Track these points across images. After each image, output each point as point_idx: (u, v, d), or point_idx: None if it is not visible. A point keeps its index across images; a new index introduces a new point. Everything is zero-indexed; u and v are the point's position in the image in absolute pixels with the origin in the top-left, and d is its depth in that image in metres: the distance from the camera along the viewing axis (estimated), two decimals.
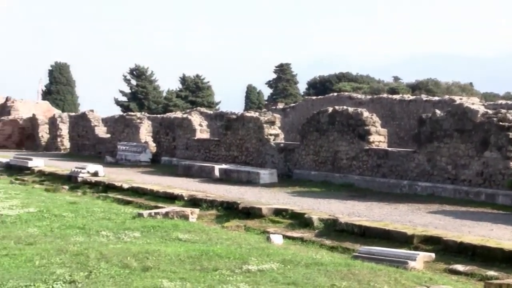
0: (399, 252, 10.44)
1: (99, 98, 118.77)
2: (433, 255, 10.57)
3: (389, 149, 19.88)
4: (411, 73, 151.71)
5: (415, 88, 56.98)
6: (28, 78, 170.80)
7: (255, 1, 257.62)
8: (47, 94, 76.18)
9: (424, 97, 32.31)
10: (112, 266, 9.07)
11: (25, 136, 44.98)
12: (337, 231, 12.94)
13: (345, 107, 21.75)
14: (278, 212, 14.79)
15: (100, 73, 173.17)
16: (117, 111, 69.58)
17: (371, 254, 10.46)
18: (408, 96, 34.08)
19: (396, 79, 78.17)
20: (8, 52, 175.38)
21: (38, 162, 26.42)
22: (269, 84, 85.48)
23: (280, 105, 43.15)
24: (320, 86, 75.12)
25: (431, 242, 11.34)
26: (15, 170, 26.86)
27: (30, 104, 51.19)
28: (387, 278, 8.72)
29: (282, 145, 23.38)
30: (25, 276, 8.39)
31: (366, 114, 20.38)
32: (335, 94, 39.56)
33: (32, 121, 44.61)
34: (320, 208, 15.30)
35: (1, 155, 32.19)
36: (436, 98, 31.93)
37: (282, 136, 24.48)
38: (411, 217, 13.95)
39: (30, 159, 26.73)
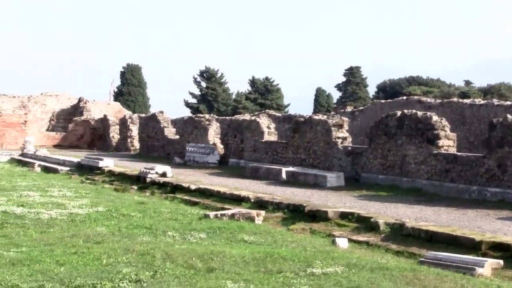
0: (466, 258, 10.21)
1: (169, 100, 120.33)
2: (501, 262, 10.30)
3: (458, 153, 19.49)
4: (483, 78, 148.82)
5: (487, 92, 55.87)
6: (101, 79, 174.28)
7: (327, 3, 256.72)
8: (119, 95, 77.62)
9: (495, 101, 31.56)
10: (177, 267, 9.15)
11: (97, 136, 45.92)
12: (403, 236, 12.75)
13: (414, 111, 21.41)
14: (344, 215, 14.67)
15: (171, 75, 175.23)
16: (186, 113, 70.45)
17: (438, 259, 10.26)
18: (479, 101, 33.34)
19: (467, 83, 76.81)
20: (82, 54, 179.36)
21: (108, 162, 26.89)
22: (339, 87, 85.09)
23: (349, 108, 42.86)
24: (390, 89, 74.36)
25: (500, 249, 11.06)
26: (86, 170, 27.41)
27: (101, 105, 52.27)
28: (453, 285, 8.55)
29: (349, 148, 23.21)
30: (92, 274, 8.54)
31: (435, 118, 20.04)
32: (404, 97, 39.05)
33: (104, 122, 45.49)
34: (386, 212, 15.12)
35: (73, 155, 32.94)
36: (508, 102, 31.15)
37: (350, 139, 24.30)
38: (479, 223, 13.63)
39: (101, 159, 27.23)
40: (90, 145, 45.32)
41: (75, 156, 31.50)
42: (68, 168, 28.16)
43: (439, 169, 19.23)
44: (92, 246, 10.65)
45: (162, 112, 37.41)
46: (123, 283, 8.16)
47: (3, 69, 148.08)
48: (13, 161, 33.67)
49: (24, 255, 9.79)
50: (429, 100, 35.89)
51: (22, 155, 35.07)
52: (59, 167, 28.49)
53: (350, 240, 12.56)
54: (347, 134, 24.19)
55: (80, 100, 52.15)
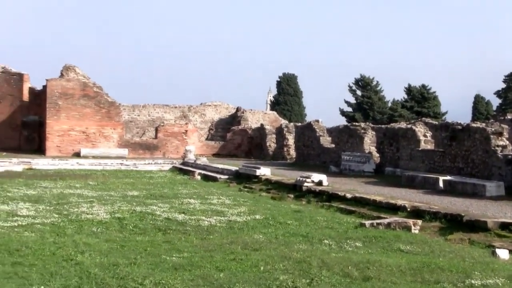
0: None
1: (325, 109, 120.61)
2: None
3: None
4: None
5: None
6: (257, 89, 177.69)
7: (489, 3, 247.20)
8: (275, 105, 78.84)
9: None
10: (333, 275, 9.19)
11: (254, 145, 46.80)
12: None
13: None
14: (505, 226, 14.08)
15: (326, 83, 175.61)
16: (342, 122, 70.36)
17: None
18: None
19: None
20: (238, 64, 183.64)
21: (265, 171, 27.32)
22: (498, 94, 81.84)
23: (509, 116, 41.08)
24: None
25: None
26: (243, 178, 27.99)
27: (258, 115, 53.30)
28: None
29: (510, 157, 22.28)
30: (250, 281, 8.75)
31: None
32: None
33: (260, 131, 46.31)
34: None
35: (231, 164, 33.76)
36: None
37: (510, 147, 23.32)
38: None
39: (258, 168, 27.71)
40: (248, 153, 46.26)
41: (233, 165, 32.26)
42: (226, 177, 28.90)
43: None
44: (250, 253, 10.90)
45: (318, 121, 37.60)
46: None
47: (167, 81, 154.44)
48: (175, 169, 35.01)
49: (186, 260, 10.19)
50: None
51: (183, 163, 36.38)
52: (218, 176, 29.31)
53: (511, 252, 12.06)
54: (507, 142, 23.21)
55: (238, 109, 53.47)
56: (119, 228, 13.91)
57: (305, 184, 22.83)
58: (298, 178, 23.64)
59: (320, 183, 22.92)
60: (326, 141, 36.17)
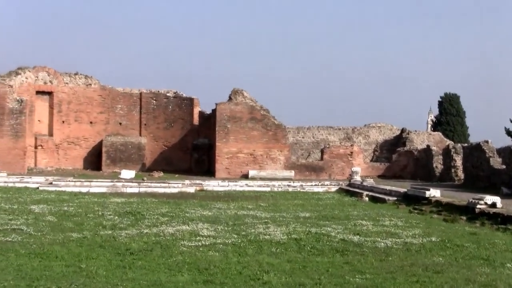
0: None
1: (489, 129, 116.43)
2: None
3: None
4: None
5: None
6: (418, 109, 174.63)
7: None
8: (437, 125, 77.21)
9: None
10: None
11: (419, 166, 46.15)
12: None
13: None
14: None
15: (490, 103, 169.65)
16: (507, 142, 67.70)
17: None
18: None
19: None
20: (399, 85, 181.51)
21: (434, 192, 26.93)
22: None
23: None
24: None
25: None
26: (412, 200, 27.71)
27: (423, 135, 52.57)
28: None
29: None
30: None
31: None
32: None
33: (426, 152, 45.62)
34: None
35: (397, 185, 33.52)
36: None
37: None
38: None
39: (427, 189, 27.34)
40: (413, 175, 45.67)
41: (400, 186, 32.01)
42: (394, 198, 28.74)
43: None
44: (432, 275, 10.92)
45: (487, 142, 36.50)
46: None
47: (330, 103, 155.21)
48: (342, 191, 35.21)
49: (369, 282, 10.39)
50: None
51: (350, 185, 36.52)
52: (386, 197, 29.20)
53: None
54: None
55: (403, 130, 53.03)
56: (297, 249, 14.29)
57: (478, 206, 22.30)
58: (470, 200, 23.12)
59: (493, 205, 22.31)
60: (496, 162, 35.04)
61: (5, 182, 33.33)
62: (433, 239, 15.82)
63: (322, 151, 45.14)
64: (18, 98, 40.27)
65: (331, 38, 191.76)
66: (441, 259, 12.81)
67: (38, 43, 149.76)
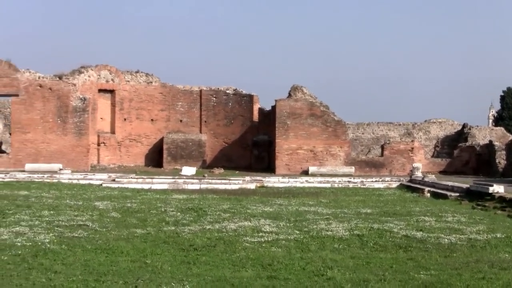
0: None
1: None
2: None
3: None
4: None
5: None
6: (477, 104, 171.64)
7: None
8: (499, 120, 75.83)
9: None
10: None
11: (481, 162, 45.39)
12: None
13: None
14: None
15: None
16: None
17: None
18: None
19: None
20: (457, 80, 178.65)
21: (498, 188, 26.50)
22: None
23: None
24: None
25: None
26: (474, 196, 27.32)
27: (485, 131, 51.66)
28: None
29: None
30: None
31: None
32: None
33: (489, 147, 44.85)
34: None
35: (459, 181, 33.06)
36: None
37: None
38: None
39: (491, 185, 26.91)
40: (475, 171, 44.91)
41: (462, 182, 31.58)
42: (457, 194, 28.35)
43: None
44: (499, 272, 10.82)
45: None
46: None
47: (390, 99, 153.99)
48: (402, 187, 34.87)
49: (435, 278, 10.34)
50: None
51: (411, 181, 36.14)
52: (448, 193, 28.82)
53: None
54: None
55: (464, 126, 52.22)
56: (360, 245, 14.28)
57: None
58: None
59: None
60: None
61: (69, 179, 34.08)
62: (498, 235, 15.60)
63: (382, 147, 44.79)
64: (81, 96, 41.01)
65: (390, 35, 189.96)
66: (507, 255, 12.65)
67: (100, 42, 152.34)
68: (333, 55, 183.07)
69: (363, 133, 53.19)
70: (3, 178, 33.54)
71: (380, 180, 37.04)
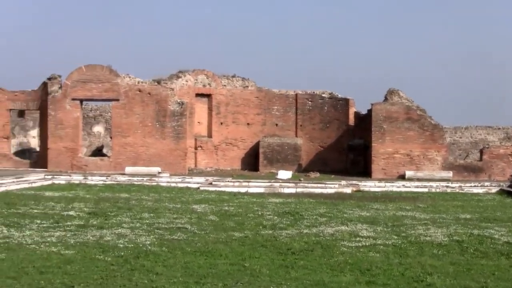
0: None
1: None
2: None
3: None
4: None
5: None
6: None
7: None
8: None
9: None
10: None
11: None
12: None
13: None
14: None
15: None
16: None
17: None
18: None
19: None
20: None
21: None
22: None
23: None
24: None
25: None
26: None
27: None
28: None
29: None
30: None
31: None
32: None
33: None
34: None
35: None
36: None
37: None
38: None
39: None
40: None
41: None
42: None
43: None
44: None
45: None
46: None
47: (488, 102, 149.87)
48: (503, 192, 34.00)
49: None
50: None
51: (511, 186, 35.18)
52: None
53: None
54: None
55: None
56: (460, 251, 14.07)
57: None
58: None
59: None
60: None
61: (167, 182, 34.86)
62: None
63: (481, 152, 43.69)
64: (179, 100, 41.79)
65: (491, 33, 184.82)
66: None
67: (197, 47, 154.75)
68: (431, 57, 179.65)
69: (460, 137, 52.09)
70: (105, 181, 34.67)
71: (479, 185, 36.20)
